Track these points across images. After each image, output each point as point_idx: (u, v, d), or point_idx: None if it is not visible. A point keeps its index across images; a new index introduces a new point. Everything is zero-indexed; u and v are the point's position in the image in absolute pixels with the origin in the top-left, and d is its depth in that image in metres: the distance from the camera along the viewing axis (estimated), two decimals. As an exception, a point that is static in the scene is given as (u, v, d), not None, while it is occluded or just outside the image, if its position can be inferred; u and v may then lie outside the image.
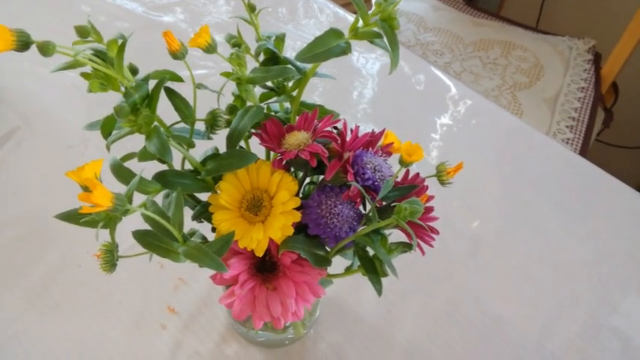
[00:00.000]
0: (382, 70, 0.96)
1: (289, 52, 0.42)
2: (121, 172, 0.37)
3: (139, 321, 0.61)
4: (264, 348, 0.60)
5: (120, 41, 0.33)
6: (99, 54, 0.33)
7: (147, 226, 0.37)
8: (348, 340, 0.61)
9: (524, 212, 0.76)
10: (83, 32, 0.33)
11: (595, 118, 1.33)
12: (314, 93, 0.89)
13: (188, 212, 0.41)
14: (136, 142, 0.39)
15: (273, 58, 0.41)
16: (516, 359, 0.61)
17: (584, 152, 1.25)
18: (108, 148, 0.36)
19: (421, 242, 0.40)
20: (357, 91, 0.91)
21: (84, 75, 0.34)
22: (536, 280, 0.68)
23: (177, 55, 0.35)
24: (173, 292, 0.64)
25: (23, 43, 0.30)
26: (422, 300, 0.65)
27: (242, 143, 0.42)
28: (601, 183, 0.81)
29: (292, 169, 0.42)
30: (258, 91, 0.42)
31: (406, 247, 0.41)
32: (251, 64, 0.41)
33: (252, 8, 0.39)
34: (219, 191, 0.39)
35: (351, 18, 1.06)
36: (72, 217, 0.34)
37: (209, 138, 0.40)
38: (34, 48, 0.30)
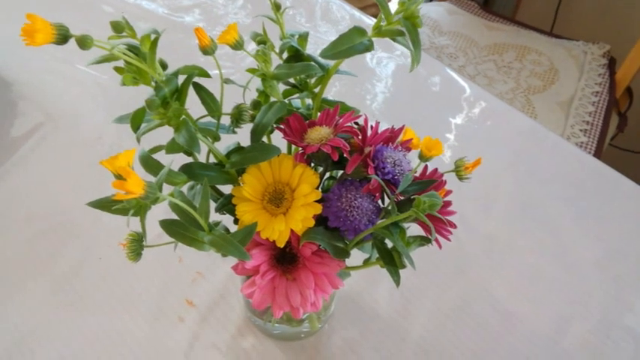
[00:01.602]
0: (397, 71, 0.97)
1: (308, 52, 0.43)
2: (149, 163, 0.38)
3: (157, 313, 0.63)
4: (279, 341, 0.61)
5: (153, 36, 0.34)
6: (132, 48, 0.35)
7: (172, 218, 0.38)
8: (363, 335, 0.62)
9: (538, 212, 0.77)
10: (118, 27, 0.34)
11: (609, 123, 1.33)
12: (330, 93, 0.90)
13: (211, 205, 0.42)
14: (158, 137, 0.40)
15: (296, 56, 0.42)
16: (529, 356, 0.61)
17: (597, 156, 1.25)
18: (138, 139, 0.37)
19: (438, 236, 0.41)
20: (372, 91, 0.93)
21: (117, 69, 0.35)
22: (550, 278, 0.69)
23: (208, 50, 0.36)
24: (191, 286, 0.65)
25: (62, 37, 0.31)
26: (436, 296, 0.66)
27: (264, 138, 0.43)
28: (614, 183, 0.82)
29: (312, 164, 0.43)
30: (280, 88, 0.43)
31: (424, 240, 0.42)
32: (275, 62, 0.42)
33: (277, 7, 0.41)
34: (242, 183, 0.41)
35: (367, 20, 1.07)
36: (104, 204, 0.36)
37: (234, 132, 0.41)
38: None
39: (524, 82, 1.40)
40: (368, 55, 1.00)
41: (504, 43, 1.51)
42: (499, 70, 1.43)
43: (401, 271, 0.41)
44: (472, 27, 1.57)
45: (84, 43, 0.31)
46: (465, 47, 1.50)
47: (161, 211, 0.38)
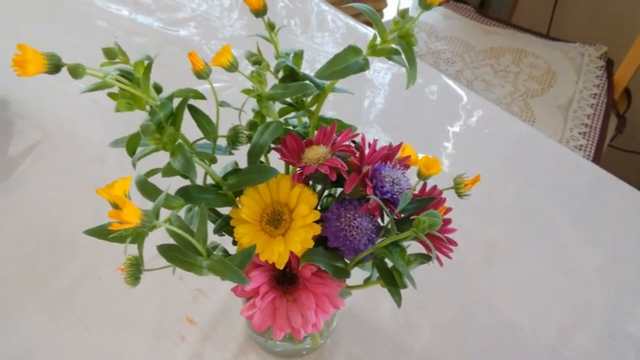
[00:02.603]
0: (394, 81, 0.97)
1: (303, 64, 0.43)
2: (146, 188, 0.38)
3: (158, 332, 0.62)
4: (282, 358, 0.61)
5: (146, 62, 0.34)
6: (125, 74, 0.34)
7: (169, 239, 0.38)
8: (365, 350, 0.61)
9: (537, 219, 0.77)
10: (111, 54, 0.34)
11: (608, 125, 1.33)
12: (327, 103, 0.90)
13: (209, 226, 0.42)
14: (155, 157, 0.40)
15: (291, 75, 0.42)
16: (532, 367, 0.61)
17: (597, 158, 1.25)
18: (134, 165, 0.37)
19: (439, 253, 0.40)
20: (369, 101, 0.92)
21: (111, 95, 0.35)
22: (551, 286, 0.69)
23: (202, 74, 0.36)
24: (192, 304, 0.65)
25: (54, 66, 0.31)
26: (438, 309, 0.65)
27: (262, 157, 0.43)
28: (613, 189, 0.82)
29: (311, 182, 0.42)
30: (276, 105, 0.43)
31: (424, 258, 0.41)
32: (270, 79, 0.42)
33: (271, 27, 0.40)
34: (240, 205, 0.40)
35: (362, 29, 1.07)
36: (100, 232, 0.35)
37: (230, 153, 0.41)
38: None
39: (522, 86, 1.40)
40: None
41: (501, 47, 1.51)
42: (496, 74, 1.43)
43: (405, 286, 0.41)
44: (468, 31, 1.57)
45: (76, 72, 0.30)
46: (462, 52, 1.50)
47: (159, 233, 0.38)
